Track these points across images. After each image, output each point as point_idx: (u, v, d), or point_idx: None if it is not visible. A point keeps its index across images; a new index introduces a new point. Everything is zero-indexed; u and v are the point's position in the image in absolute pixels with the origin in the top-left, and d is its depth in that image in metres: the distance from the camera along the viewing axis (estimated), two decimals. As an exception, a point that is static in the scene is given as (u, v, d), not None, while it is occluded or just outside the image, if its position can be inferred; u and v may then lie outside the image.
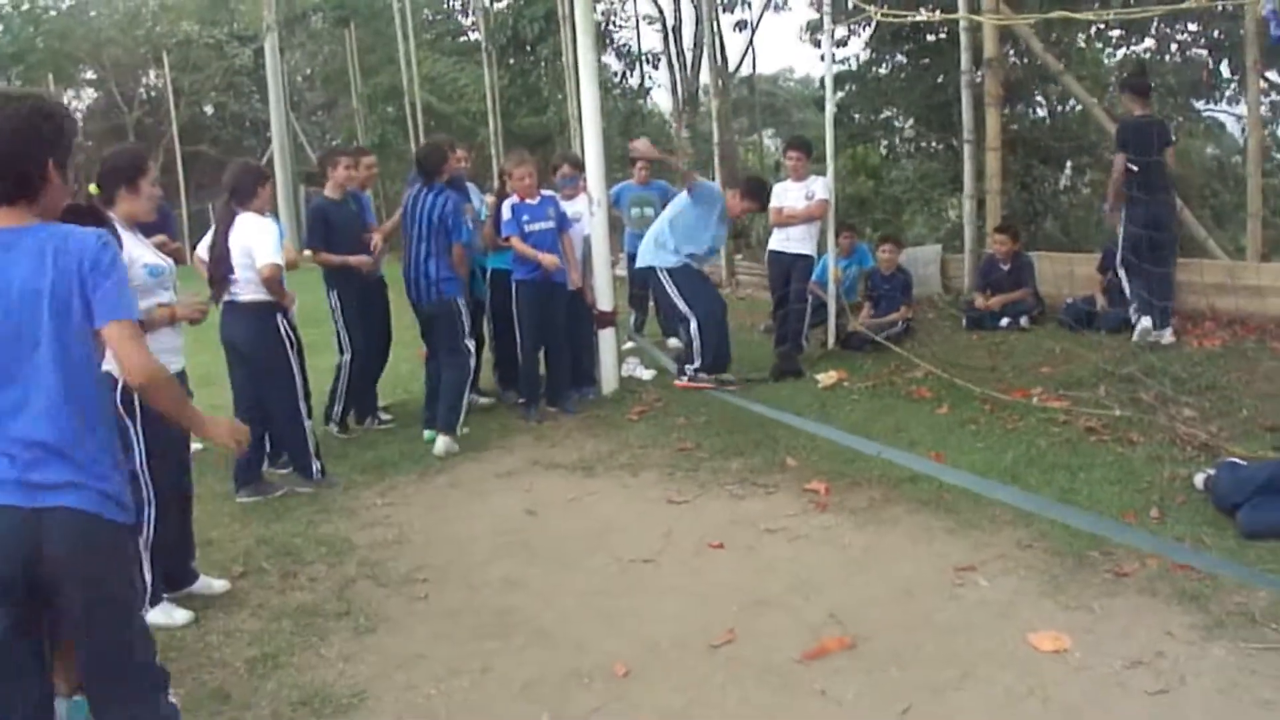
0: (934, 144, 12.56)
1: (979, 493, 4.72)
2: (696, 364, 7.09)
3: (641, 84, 19.92)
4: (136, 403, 3.70)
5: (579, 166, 7.05)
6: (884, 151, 13.38)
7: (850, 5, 12.81)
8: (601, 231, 7.00)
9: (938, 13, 9.59)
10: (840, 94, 14.44)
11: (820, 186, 7.61)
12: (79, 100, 26.84)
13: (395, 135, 18.78)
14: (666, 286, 7.09)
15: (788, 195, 7.69)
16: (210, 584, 4.12)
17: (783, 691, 3.18)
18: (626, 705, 3.15)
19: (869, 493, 4.88)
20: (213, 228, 5.28)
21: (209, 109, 25.44)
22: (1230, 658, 3.19)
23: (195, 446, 6.00)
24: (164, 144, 21.56)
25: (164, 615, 3.81)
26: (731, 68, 21.50)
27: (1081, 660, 3.26)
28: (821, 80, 16.55)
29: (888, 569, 4.07)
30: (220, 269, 5.13)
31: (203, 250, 5.39)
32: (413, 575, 4.25)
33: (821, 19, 9.53)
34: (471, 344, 6.26)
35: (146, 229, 4.71)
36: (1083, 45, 12.48)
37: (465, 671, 3.40)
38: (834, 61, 13.73)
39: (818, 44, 13.71)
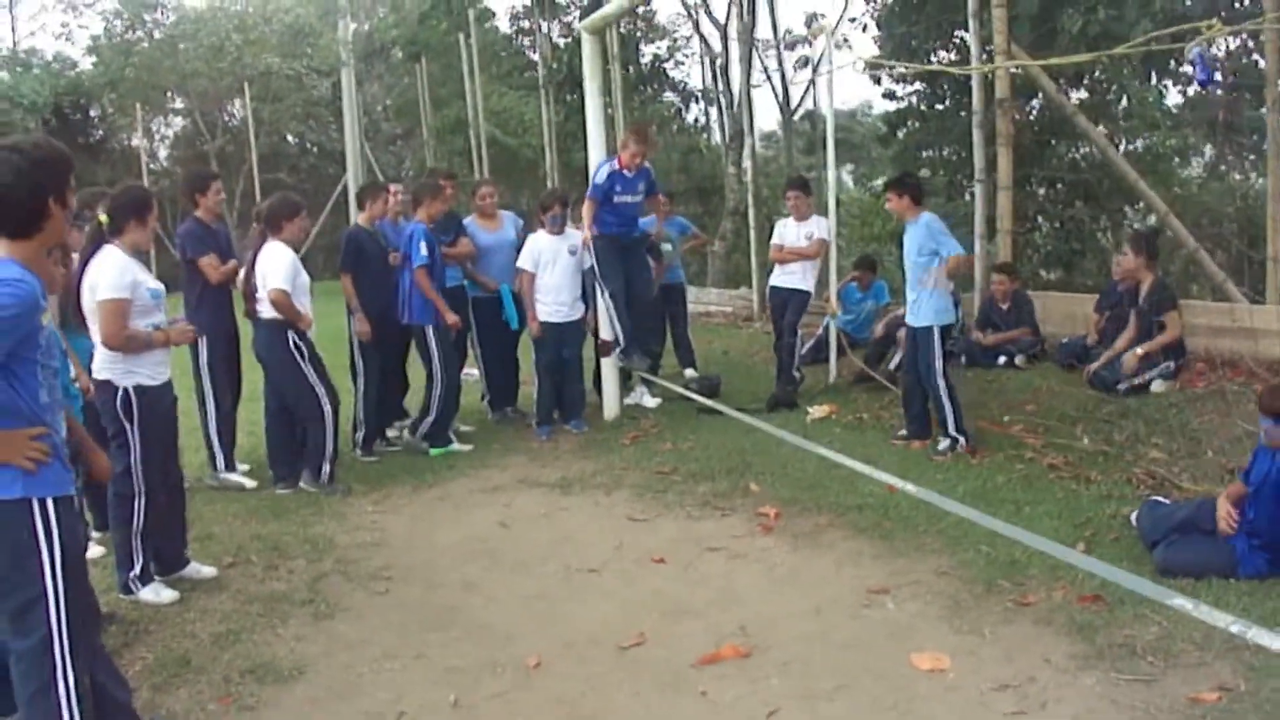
0: (964, 180, 12.71)
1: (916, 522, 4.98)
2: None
3: (704, 120, 20.43)
4: (135, 408, 4.23)
5: (566, 204, 7.47)
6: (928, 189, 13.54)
7: (908, 45, 13.22)
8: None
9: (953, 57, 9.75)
10: (903, 130, 14.78)
11: (820, 227, 7.89)
12: (167, 127, 28.49)
13: (461, 166, 19.51)
14: None
15: (788, 234, 7.97)
16: (199, 569, 4.65)
17: (669, 690, 3.52)
18: (528, 692, 3.53)
19: (815, 518, 5.18)
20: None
21: (291, 138, 26.63)
22: (1097, 687, 3.41)
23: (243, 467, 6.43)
24: (244, 171, 22.71)
25: (153, 594, 4.36)
26: (795, 103, 21.96)
27: (954, 680, 3.52)
28: (884, 116, 16.91)
29: (808, 589, 4.36)
30: (249, 288, 5.85)
31: (244, 272, 6.05)
32: (380, 573, 4.70)
33: (820, 59, 9.78)
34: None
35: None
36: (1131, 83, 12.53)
37: (400, 656, 3.83)
38: (892, 98, 14.17)
39: (878, 81, 13.97)
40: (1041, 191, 12.39)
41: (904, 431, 6.55)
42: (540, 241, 7.14)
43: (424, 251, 6.52)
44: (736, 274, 16.55)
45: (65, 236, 2.93)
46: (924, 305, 6.19)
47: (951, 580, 4.33)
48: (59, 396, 2.84)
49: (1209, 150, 17.39)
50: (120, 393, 4.23)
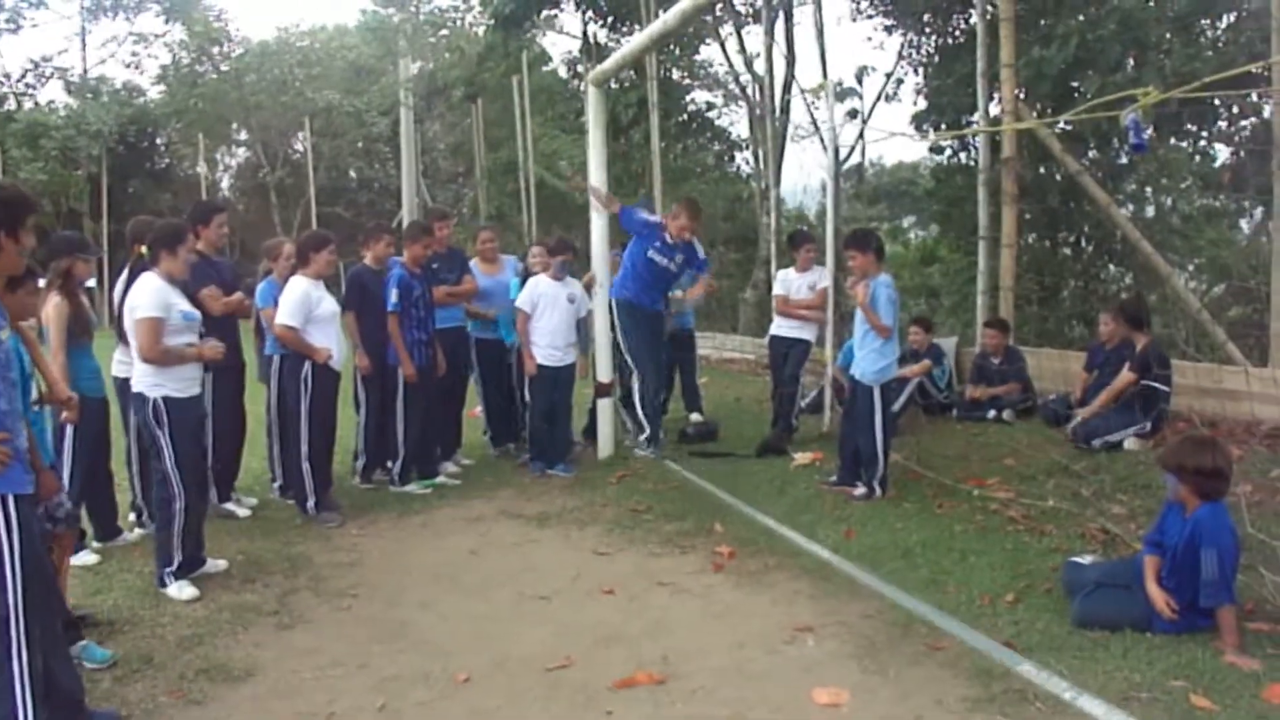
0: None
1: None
2: None
3: (749, 168, 20.75)
4: (165, 417, 4.76)
5: (569, 251, 7.76)
6: (951, 244, 13.74)
7: (939, 103, 13.48)
8: (602, 307, 7.79)
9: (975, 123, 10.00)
10: (949, 184, 14.97)
11: (823, 276, 8.16)
12: (231, 157, 29.72)
13: (512, 208, 20.02)
14: None
15: (791, 284, 8.25)
16: (217, 564, 5.19)
17: (578, 708, 3.80)
18: (450, 702, 3.85)
19: (766, 559, 5.42)
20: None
21: (352, 174, 27.54)
22: (978, 728, 3.62)
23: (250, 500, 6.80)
24: (303, 204, 23.50)
25: (177, 590, 4.85)
26: (844, 155, 22.23)
27: (846, 714, 3.73)
28: (930, 171, 17.12)
29: (738, 623, 4.61)
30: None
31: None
32: (348, 590, 5.06)
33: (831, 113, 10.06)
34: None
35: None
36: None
37: (345, 664, 4.17)
38: (938, 152, 14.36)
39: (925, 135, 14.16)
40: (1068, 251, 12.53)
41: (834, 477, 6.75)
42: (541, 285, 7.42)
43: (395, 299, 6.76)
44: (766, 322, 16.82)
45: (19, 269, 3.34)
46: (867, 361, 6.39)
47: (875, 623, 4.54)
48: (18, 406, 3.27)
49: (1259, 212, 17.25)
50: (151, 403, 4.77)
